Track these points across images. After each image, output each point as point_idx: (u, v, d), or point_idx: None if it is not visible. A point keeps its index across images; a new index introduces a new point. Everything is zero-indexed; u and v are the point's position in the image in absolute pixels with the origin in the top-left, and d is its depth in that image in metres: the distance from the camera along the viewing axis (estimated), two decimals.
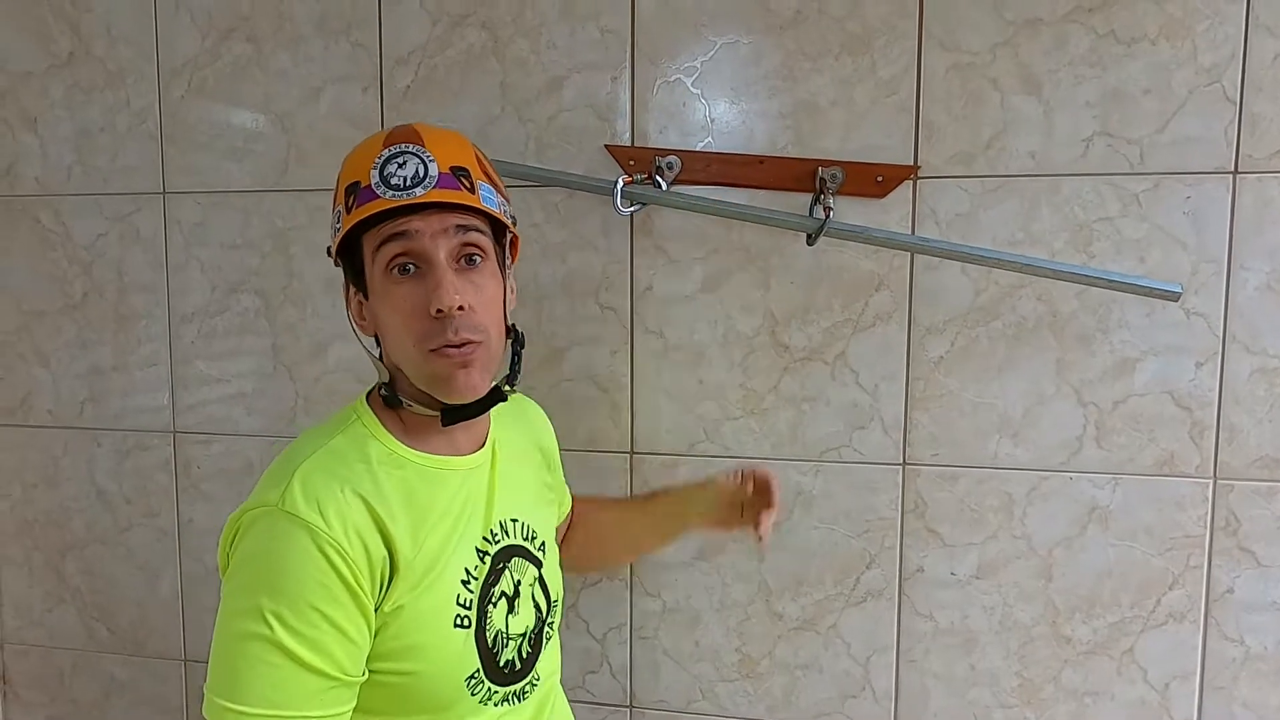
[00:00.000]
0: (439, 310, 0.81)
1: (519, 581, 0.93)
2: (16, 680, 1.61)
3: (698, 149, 1.25)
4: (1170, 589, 1.21)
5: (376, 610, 0.81)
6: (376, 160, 0.82)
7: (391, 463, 0.86)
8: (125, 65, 1.41)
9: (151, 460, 1.49)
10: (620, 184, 1.21)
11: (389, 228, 0.82)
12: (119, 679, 1.56)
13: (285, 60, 1.36)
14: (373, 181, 0.81)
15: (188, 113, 1.40)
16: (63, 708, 1.59)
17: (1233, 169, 1.14)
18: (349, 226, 0.83)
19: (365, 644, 0.81)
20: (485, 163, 0.89)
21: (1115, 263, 1.17)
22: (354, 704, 0.82)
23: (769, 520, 1.03)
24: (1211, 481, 1.19)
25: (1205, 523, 1.19)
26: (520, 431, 1.05)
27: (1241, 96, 1.13)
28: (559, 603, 1.01)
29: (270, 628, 0.76)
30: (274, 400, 1.43)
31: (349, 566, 0.78)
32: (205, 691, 0.79)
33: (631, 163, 1.25)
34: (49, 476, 1.54)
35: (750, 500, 1.07)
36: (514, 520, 0.95)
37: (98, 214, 1.45)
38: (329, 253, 0.89)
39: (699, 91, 1.25)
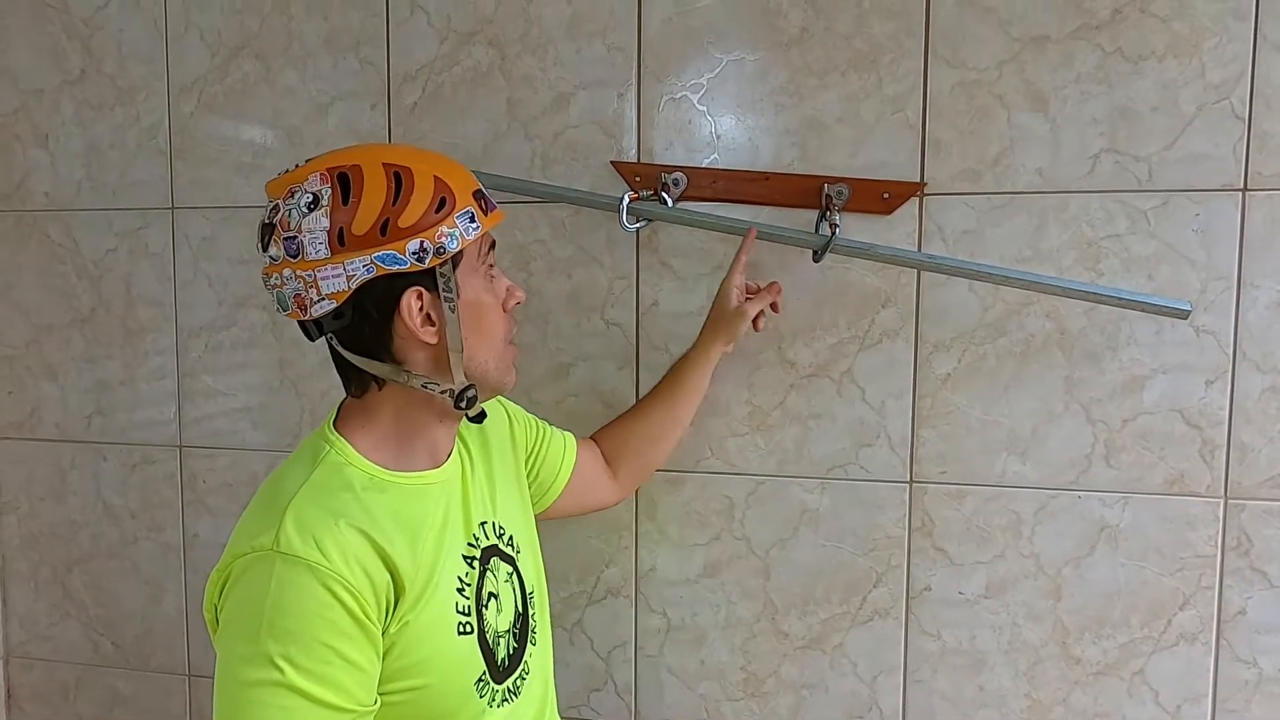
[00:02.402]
0: (518, 302, 0.94)
1: (498, 579, 0.95)
2: (21, 694, 1.61)
3: (703, 165, 1.25)
4: (1181, 609, 1.19)
5: (384, 633, 0.81)
6: (476, 176, 0.90)
7: (374, 487, 0.86)
8: (135, 82, 1.43)
9: (158, 474, 1.49)
10: (626, 200, 1.21)
11: (489, 235, 0.91)
12: (123, 693, 1.55)
13: (293, 77, 1.37)
14: (485, 192, 0.90)
15: (197, 129, 1.41)
16: None
17: (1242, 186, 1.13)
18: (490, 227, 0.89)
19: (376, 671, 0.81)
20: None
21: (1124, 280, 1.16)
22: None
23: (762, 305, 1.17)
24: (1222, 501, 1.17)
25: (1216, 543, 1.18)
26: (475, 433, 1.04)
27: (1250, 114, 1.12)
28: (535, 593, 1.02)
29: (280, 671, 0.74)
30: (280, 415, 1.43)
31: (355, 599, 0.78)
32: None
33: (637, 179, 1.25)
34: (56, 490, 1.54)
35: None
36: (483, 523, 0.97)
37: (107, 229, 1.46)
38: (437, 254, 0.83)
39: (705, 108, 1.25)
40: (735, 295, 1.16)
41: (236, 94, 1.39)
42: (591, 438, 1.23)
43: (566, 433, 1.19)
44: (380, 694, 0.83)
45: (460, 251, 0.85)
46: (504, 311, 0.92)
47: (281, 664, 0.75)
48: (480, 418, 0.94)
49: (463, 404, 0.88)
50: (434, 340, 0.86)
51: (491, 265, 0.92)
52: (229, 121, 1.40)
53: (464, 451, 1.00)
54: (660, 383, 1.22)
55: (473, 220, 0.85)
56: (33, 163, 1.48)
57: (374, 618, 0.80)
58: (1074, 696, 1.23)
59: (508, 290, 0.93)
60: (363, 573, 0.79)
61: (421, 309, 0.85)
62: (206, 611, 0.84)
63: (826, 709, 1.30)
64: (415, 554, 0.85)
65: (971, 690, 1.26)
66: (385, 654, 0.82)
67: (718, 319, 1.18)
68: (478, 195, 0.88)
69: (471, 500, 0.96)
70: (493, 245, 0.92)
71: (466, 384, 0.88)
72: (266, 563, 0.77)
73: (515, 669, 0.96)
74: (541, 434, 1.15)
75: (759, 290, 1.19)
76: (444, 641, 0.86)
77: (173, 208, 1.44)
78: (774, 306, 1.20)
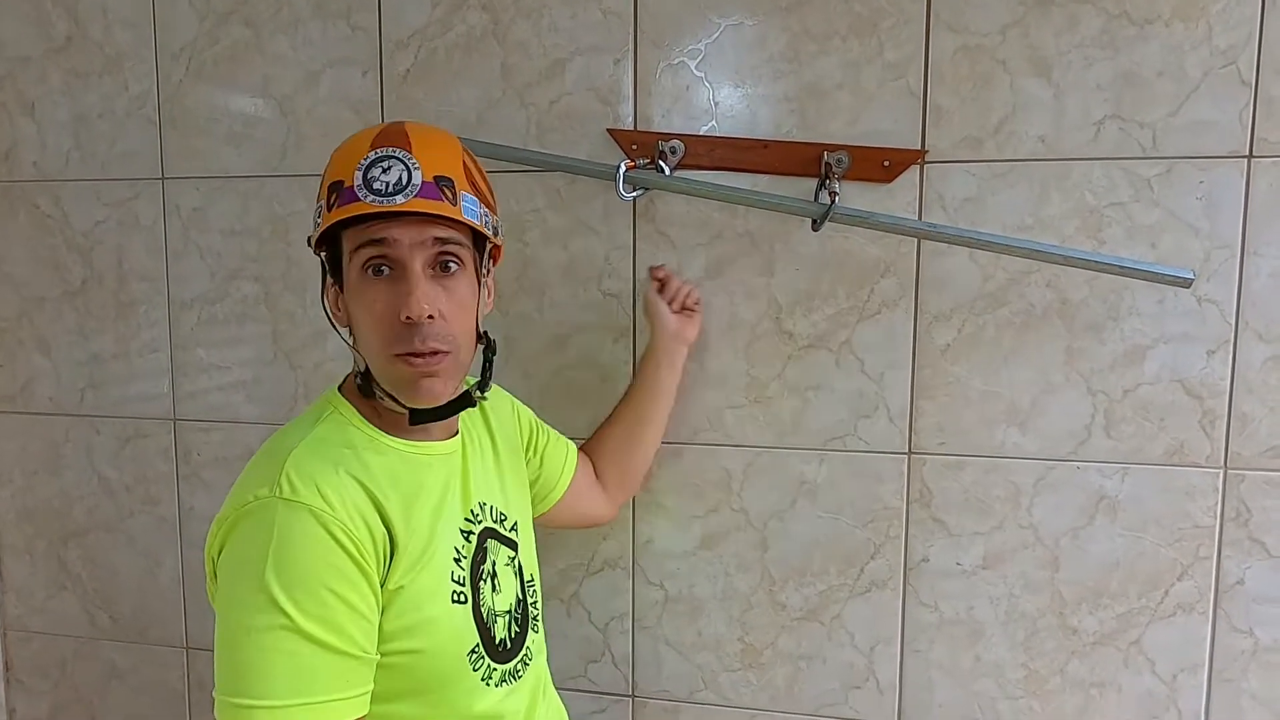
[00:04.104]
0: (408, 318, 0.81)
1: (494, 561, 0.96)
2: (19, 667, 1.61)
3: (701, 133, 1.23)
4: (1179, 580, 1.19)
5: (382, 586, 0.82)
6: (362, 161, 0.81)
7: (374, 449, 0.87)
8: (123, 49, 1.40)
9: (152, 448, 1.48)
10: (623, 169, 1.19)
11: (367, 232, 0.82)
12: (121, 666, 1.55)
13: (284, 44, 1.34)
14: (355, 183, 0.81)
15: (186, 97, 1.39)
16: (65, 694, 1.59)
17: (1247, 153, 1.11)
18: (327, 225, 0.83)
19: (376, 619, 0.82)
20: (474, 169, 0.89)
21: (1126, 249, 1.15)
22: (372, 684, 0.82)
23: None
24: (1222, 471, 1.17)
25: (1215, 513, 1.17)
26: (483, 423, 1.05)
27: (1257, 79, 1.10)
28: (534, 582, 1.04)
29: (287, 615, 0.75)
30: (274, 388, 1.42)
31: (354, 543, 0.79)
32: (217, 696, 0.77)
33: (634, 147, 1.23)
34: (50, 464, 1.53)
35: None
36: (482, 504, 0.97)
37: (96, 200, 1.44)
38: (309, 243, 0.88)
39: (703, 74, 1.23)
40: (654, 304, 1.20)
41: (226, 61, 1.37)
42: (581, 449, 1.23)
43: (569, 441, 1.20)
44: (380, 651, 0.83)
45: (331, 238, 0.85)
46: (400, 322, 0.82)
47: (287, 608, 0.75)
48: (414, 419, 0.88)
49: (358, 381, 0.88)
50: (334, 314, 0.91)
51: (368, 267, 0.82)
52: (219, 89, 1.38)
53: (470, 433, 1.00)
54: (629, 386, 1.24)
55: (320, 213, 0.85)
56: (20, 132, 1.46)
57: (373, 566, 0.80)
58: (1071, 666, 1.23)
59: (403, 302, 0.82)
60: (361, 521, 0.80)
61: (329, 282, 0.89)
62: (207, 562, 0.83)
63: (824, 680, 1.30)
64: (409, 518, 0.86)
65: (969, 660, 1.26)
66: (383, 612, 0.82)
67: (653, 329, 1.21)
68: (333, 188, 0.82)
69: (473, 478, 0.96)
70: (374, 242, 0.81)
71: (363, 368, 0.88)
72: (269, 510, 0.77)
73: (517, 653, 0.96)
74: (545, 434, 1.16)
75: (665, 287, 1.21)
76: (438, 607, 0.86)
77: (163, 178, 1.41)
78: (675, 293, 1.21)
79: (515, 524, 1.01)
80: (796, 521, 1.28)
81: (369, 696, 0.82)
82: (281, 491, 0.78)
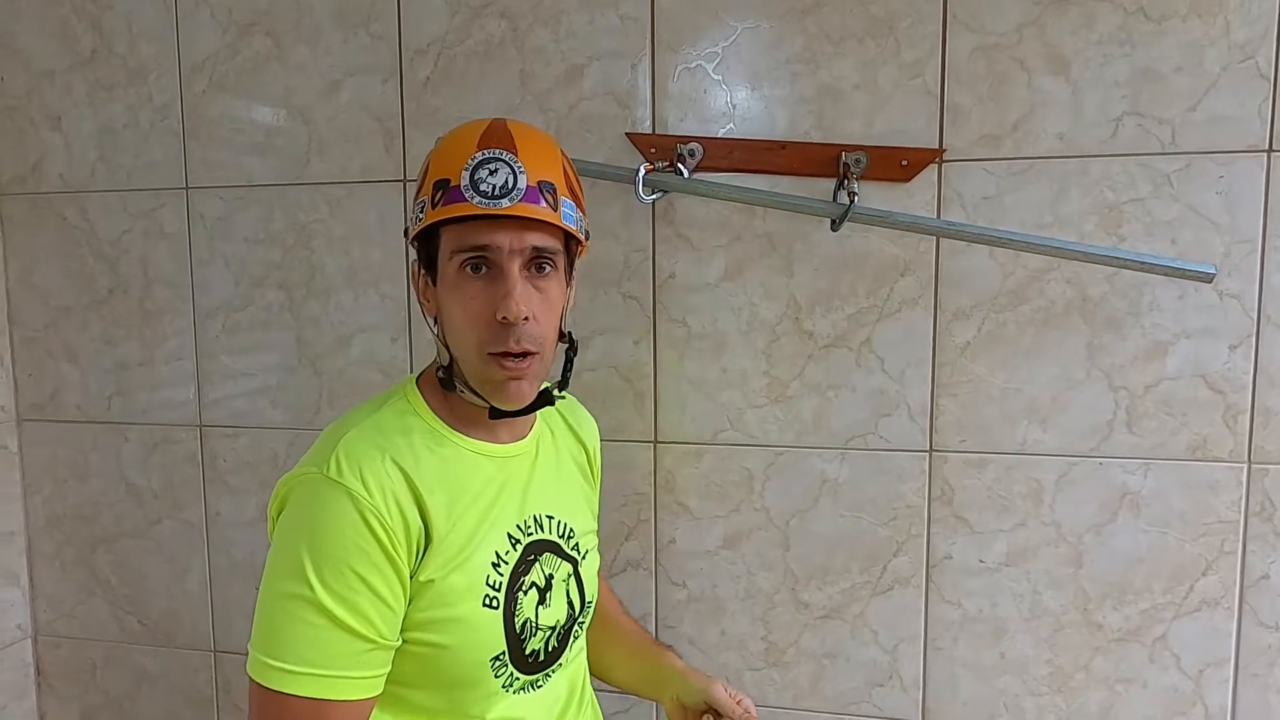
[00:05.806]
0: (504, 319, 0.83)
1: (551, 576, 0.94)
2: (50, 672, 1.63)
3: (719, 135, 1.24)
4: (1203, 575, 1.19)
5: (411, 578, 0.84)
6: (469, 162, 0.83)
7: (431, 440, 0.89)
8: (147, 62, 1.42)
9: (179, 454, 1.50)
10: (642, 172, 1.20)
11: (472, 235, 0.83)
12: (150, 670, 1.57)
13: (304, 54, 1.36)
14: (463, 183, 0.83)
15: (209, 108, 1.41)
16: (95, 699, 1.61)
17: (1267, 147, 1.11)
18: (432, 221, 0.84)
19: (400, 609, 0.84)
20: (571, 174, 0.91)
21: (1146, 244, 1.15)
22: (389, 668, 0.84)
23: None
24: (1245, 466, 1.17)
25: (1239, 508, 1.17)
26: (568, 438, 1.06)
27: (1276, 73, 1.10)
28: (593, 603, 1.02)
29: (311, 588, 0.79)
30: (298, 393, 1.44)
31: (387, 532, 0.81)
32: (249, 647, 0.82)
33: (653, 150, 1.25)
34: (78, 471, 1.55)
35: None
36: (550, 516, 0.96)
37: (122, 210, 1.46)
38: (406, 234, 0.91)
39: (720, 77, 1.24)
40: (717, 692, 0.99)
41: (248, 72, 1.38)
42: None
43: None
44: (404, 638, 0.85)
45: (429, 232, 0.86)
46: (496, 322, 0.83)
47: (313, 581, 0.79)
48: (495, 415, 0.90)
49: (440, 374, 0.90)
50: (423, 304, 0.92)
51: (466, 264, 0.84)
52: (241, 100, 1.40)
53: (545, 444, 1.00)
54: (633, 644, 1.12)
55: (423, 209, 0.86)
56: (46, 145, 1.48)
57: (403, 556, 0.82)
58: (1095, 663, 1.23)
59: (501, 303, 0.83)
60: (398, 511, 0.82)
61: (421, 273, 0.91)
62: (269, 519, 0.89)
63: (847, 678, 1.30)
64: (452, 514, 0.86)
65: (992, 657, 1.26)
66: (411, 602, 0.84)
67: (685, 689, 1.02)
68: (439, 185, 0.83)
69: (534, 487, 0.95)
70: (478, 248, 0.83)
71: (446, 361, 0.90)
72: (313, 485, 0.82)
73: (548, 666, 0.95)
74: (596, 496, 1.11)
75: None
76: (468, 608, 0.86)
77: (187, 188, 1.43)
78: None
79: (579, 543, 0.99)
80: (818, 520, 1.29)
81: (383, 679, 0.84)
82: (328, 470, 0.82)
